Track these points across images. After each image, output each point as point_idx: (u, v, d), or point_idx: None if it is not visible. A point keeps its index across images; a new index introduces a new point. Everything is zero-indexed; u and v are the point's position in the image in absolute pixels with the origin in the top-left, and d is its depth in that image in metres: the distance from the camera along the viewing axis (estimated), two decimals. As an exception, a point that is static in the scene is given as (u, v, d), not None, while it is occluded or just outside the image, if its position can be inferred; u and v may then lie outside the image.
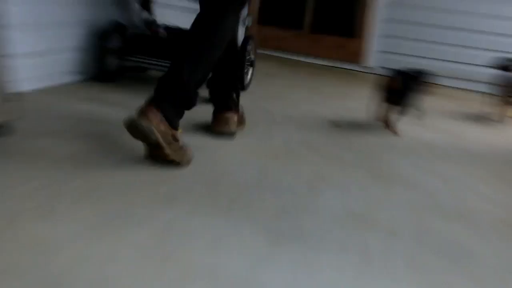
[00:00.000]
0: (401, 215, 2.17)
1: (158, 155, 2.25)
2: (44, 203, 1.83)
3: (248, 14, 5.63)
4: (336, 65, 5.54)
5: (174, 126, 2.25)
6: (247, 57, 3.88)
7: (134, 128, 2.16)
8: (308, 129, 3.22)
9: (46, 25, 3.21)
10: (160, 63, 3.57)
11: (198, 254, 1.66)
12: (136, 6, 3.72)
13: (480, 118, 4.04)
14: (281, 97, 3.91)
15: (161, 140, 2.19)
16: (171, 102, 2.23)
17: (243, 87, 3.88)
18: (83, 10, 3.45)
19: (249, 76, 3.98)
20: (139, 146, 2.49)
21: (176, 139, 2.26)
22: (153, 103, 2.20)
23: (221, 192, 2.13)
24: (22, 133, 2.48)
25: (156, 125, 2.17)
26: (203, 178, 2.25)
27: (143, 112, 2.17)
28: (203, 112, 3.18)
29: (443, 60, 5.27)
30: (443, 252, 1.90)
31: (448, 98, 4.80)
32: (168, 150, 2.22)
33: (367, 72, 5.47)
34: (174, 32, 3.88)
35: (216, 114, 2.78)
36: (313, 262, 1.71)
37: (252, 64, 3.99)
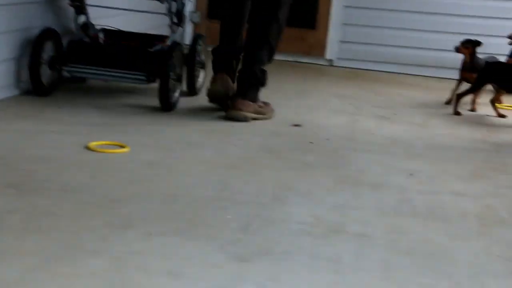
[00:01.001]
0: (371, 217, 2.29)
1: None
2: (-15, 239, 1.87)
3: (195, 10, 5.72)
4: (294, 59, 5.66)
5: (257, 100, 3.55)
6: (197, 59, 3.96)
7: (233, 119, 3.45)
8: (268, 133, 3.32)
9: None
10: (101, 72, 3.61)
11: (160, 279, 1.74)
12: (71, 9, 3.76)
13: (449, 108, 4.20)
14: (237, 99, 4.00)
15: (255, 117, 3.49)
16: (251, 87, 3.51)
17: (195, 91, 3.97)
18: (10, 17, 3.46)
19: (200, 79, 4.06)
20: (87, 167, 2.56)
21: (261, 106, 3.56)
22: (239, 95, 3.51)
23: (179, 210, 2.22)
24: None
25: (247, 111, 3.46)
26: (159, 197, 2.33)
27: (234, 106, 3.47)
28: (149, 124, 3.25)
29: (410, 47, 5.43)
30: (417, 253, 2.02)
31: (415, 87, 4.96)
32: (261, 118, 3.52)
33: (328, 65, 5.61)
34: (114, 35, 3.94)
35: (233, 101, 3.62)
36: (283, 275, 1.81)
37: (203, 66, 4.07)
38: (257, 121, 3.48)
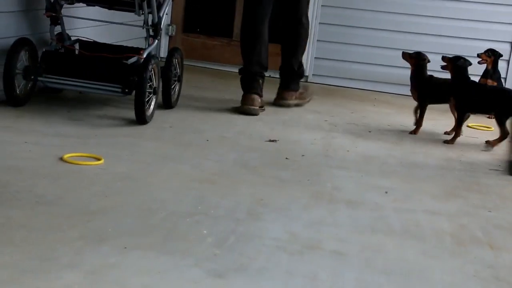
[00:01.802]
0: (346, 235, 2.30)
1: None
2: (-41, 249, 1.84)
3: (171, 23, 5.71)
4: (270, 75, 5.66)
5: (298, 88, 4.41)
6: (173, 72, 3.95)
7: (280, 105, 4.33)
8: (243, 148, 3.32)
9: None
10: (76, 83, 3.58)
11: (135, 294, 1.72)
12: (47, 20, 3.73)
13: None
14: (212, 114, 4.01)
15: (297, 103, 4.37)
16: (292, 80, 4.34)
17: (171, 104, 3.95)
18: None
19: (176, 93, 4.05)
20: (62, 179, 2.53)
21: (301, 93, 4.43)
22: (283, 87, 4.35)
23: (155, 224, 2.20)
24: None
25: (291, 100, 4.34)
26: (134, 210, 2.31)
27: (281, 95, 4.34)
28: (124, 136, 3.24)
29: (385, 65, 5.48)
30: (392, 272, 2.03)
31: (389, 105, 5.00)
32: (302, 103, 4.43)
33: (304, 82, 5.63)
34: (90, 47, 3.92)
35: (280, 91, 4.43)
36: (258, 293, 1.81)
37: (179, 80, 4.06)
38: (231, 137, 3.48)
